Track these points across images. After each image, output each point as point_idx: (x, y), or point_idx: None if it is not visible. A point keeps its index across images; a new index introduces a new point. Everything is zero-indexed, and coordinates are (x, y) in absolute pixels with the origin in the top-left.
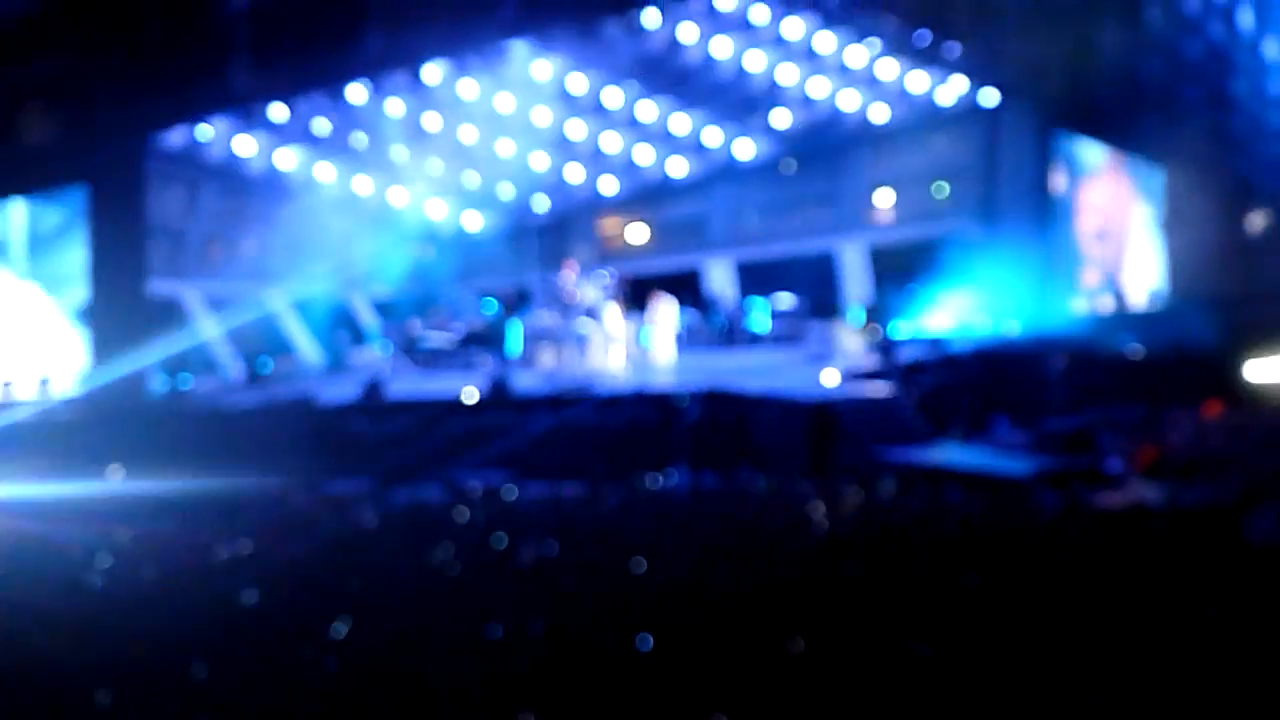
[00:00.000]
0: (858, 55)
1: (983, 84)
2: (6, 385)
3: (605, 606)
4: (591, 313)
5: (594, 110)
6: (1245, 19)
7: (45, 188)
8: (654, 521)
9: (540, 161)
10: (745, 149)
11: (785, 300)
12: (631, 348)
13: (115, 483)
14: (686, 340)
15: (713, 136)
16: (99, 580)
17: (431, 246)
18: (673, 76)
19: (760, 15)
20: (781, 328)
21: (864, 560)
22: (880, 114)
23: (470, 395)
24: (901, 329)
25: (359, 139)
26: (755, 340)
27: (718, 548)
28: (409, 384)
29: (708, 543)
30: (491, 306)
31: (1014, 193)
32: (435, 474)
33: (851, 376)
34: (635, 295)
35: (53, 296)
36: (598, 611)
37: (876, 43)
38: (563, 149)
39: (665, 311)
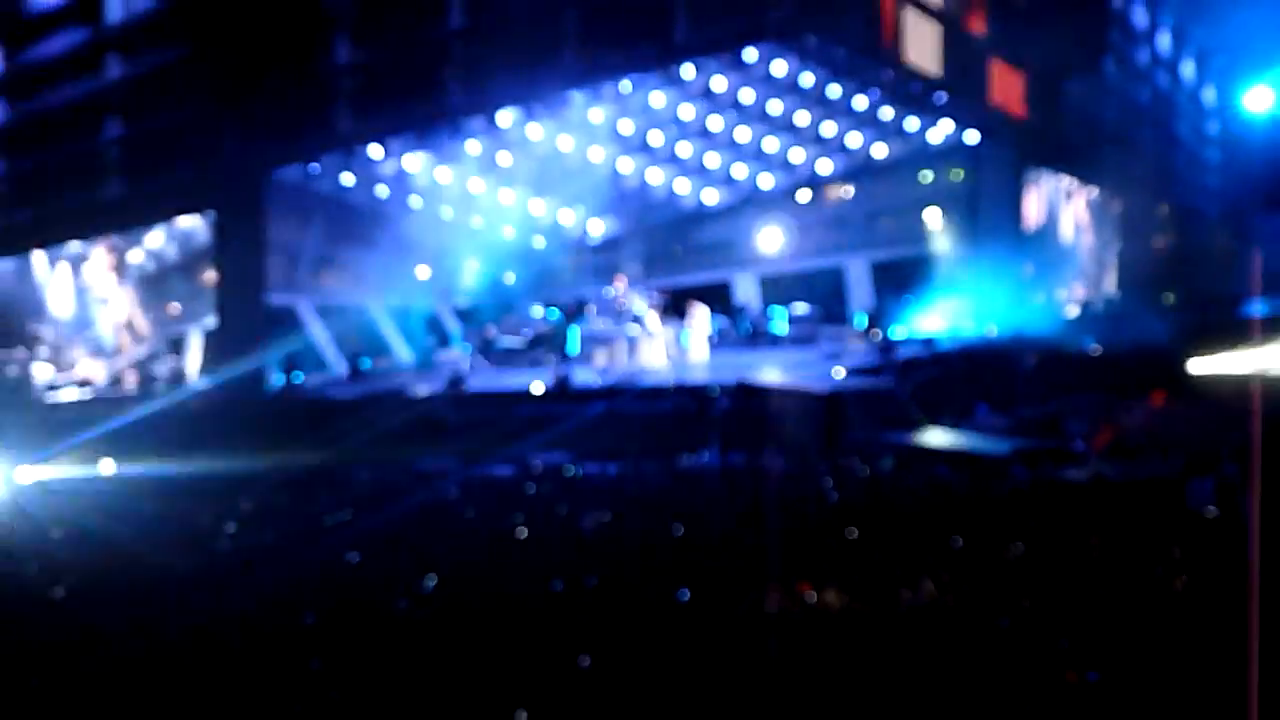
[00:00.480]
0: (861, 102)
1: (966, 126)
2: (86, 383)
3: (649, 564)
4: (638, 319)
5: (640, 149)
6: (1187, 70)
7: (182, 215)
8: (690, 493)
9: (595, 192)
10: (766, 181)
11: (801, 308)
12: (671, 348)
13: (238, 461)
14: (718, 342)
15: (739, 171)
16: (227, 544)
17: (505, 263)
18: (704, 120)
19: (779, 69)
20: (798, 331)
21: (867, 524)
22: (880, 151)
23: (537, 388)
24: (898, 331)
25: (443, 173)
26: (776, 342)
27: (744, 515)
28: (485, 379)
29: (736, 510)
30: (555, 314)
31: (993, 217)
32: (507, 454)
33: (857, 372)
34: (675, 304)
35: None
36: (643, 568)
37: (877, 91)
38: (614, 182)
39: (700, 317)
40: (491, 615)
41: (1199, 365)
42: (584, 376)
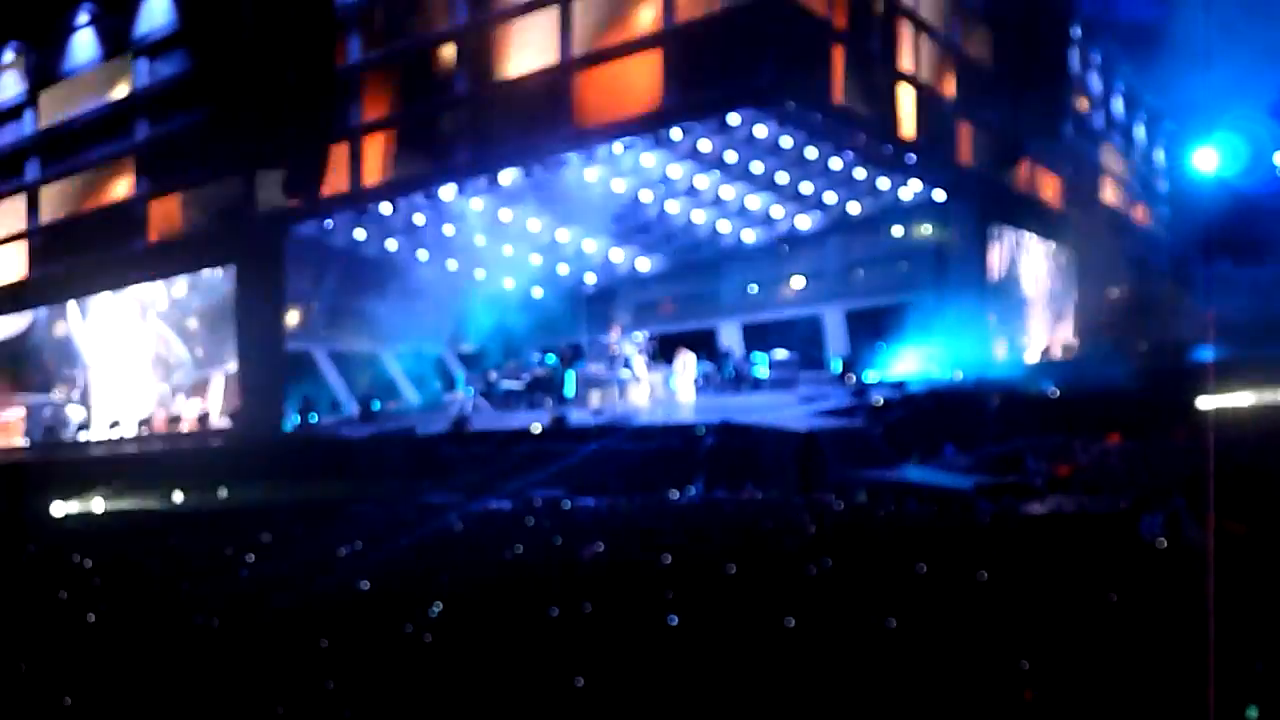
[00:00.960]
0: (837, 163)
1: (934, 185)
2: (114, 424)
3: (640, 591)
4: (629, 364)
5: (631, 205)
6: (1139, 132)
7: (206, 267)
8: (677, 526)
9: (589, 246)
10: (748, 236)
11: (781, 354)
12: (659, 391)
13: (257, 496)
14: (703, 385)
15: (724, 226)
16: (246, 571)
17: (505, 312)
18: (688, 180)
19: (761, 131)
20: (778, 375)
21: (842, 553)
22: (855, 209)
23: (536, 428)
24: (872, 375)
25: (448, 229)
26: (757, 385)
27: (727, 546)
28: (488, 419)
29: (720, 542)
30: (552, 359)
31: (959, 269)
32: (508, 489)
33: (833, 413)
34: (664, 350)
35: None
36: (634, 595)
37: (850, 154)
38: (609, 235)
39: (686, 362)
40: (492, 639)
41: (1205, 401)
42: (579, 417)
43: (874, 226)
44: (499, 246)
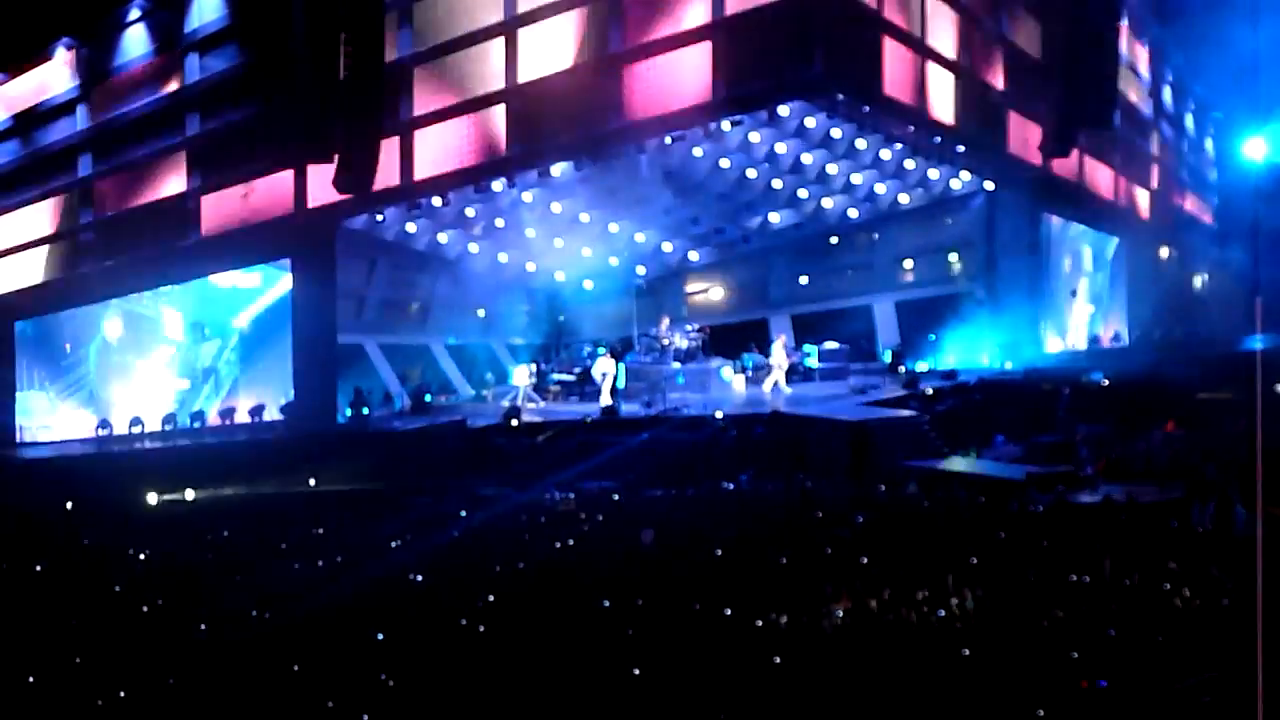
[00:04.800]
0: (886, 154)
1: (983, 176)
2: (136, 420)
3: (692, 581)
4: (679, 356)
5: (684, 198)
6: (1189, 121)
7: (260, 263)
8: (728, 516)
9: (640, 238)
10: (799, 228)
11: (831, 345)
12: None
13: (312, 488)
14: (752, 376)
15: (775, 218)
16: (295, 564)
17: (556, 304)
18: (739, 173)
19: (811, 123)
20: (828, 366)
21: (892, 542)
22: (905, 200)
23: (587, 419)
24: (921, 366)
25: (499, 222)
26: (808, 376)
27: (778, 537)
28: (539, 410)
29: (770, 532)
30: (603, 351)
31: (1008, 260)
32: (559, 480)
33: (883, 403)
34: (715, 341)
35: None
36: (687, 585)
37: (900, 145)
38: (659, 227)
39: (779, 350)
40: (543, 630)
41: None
42: (630, 408)
43: (924, 217)
44: (550, 239)
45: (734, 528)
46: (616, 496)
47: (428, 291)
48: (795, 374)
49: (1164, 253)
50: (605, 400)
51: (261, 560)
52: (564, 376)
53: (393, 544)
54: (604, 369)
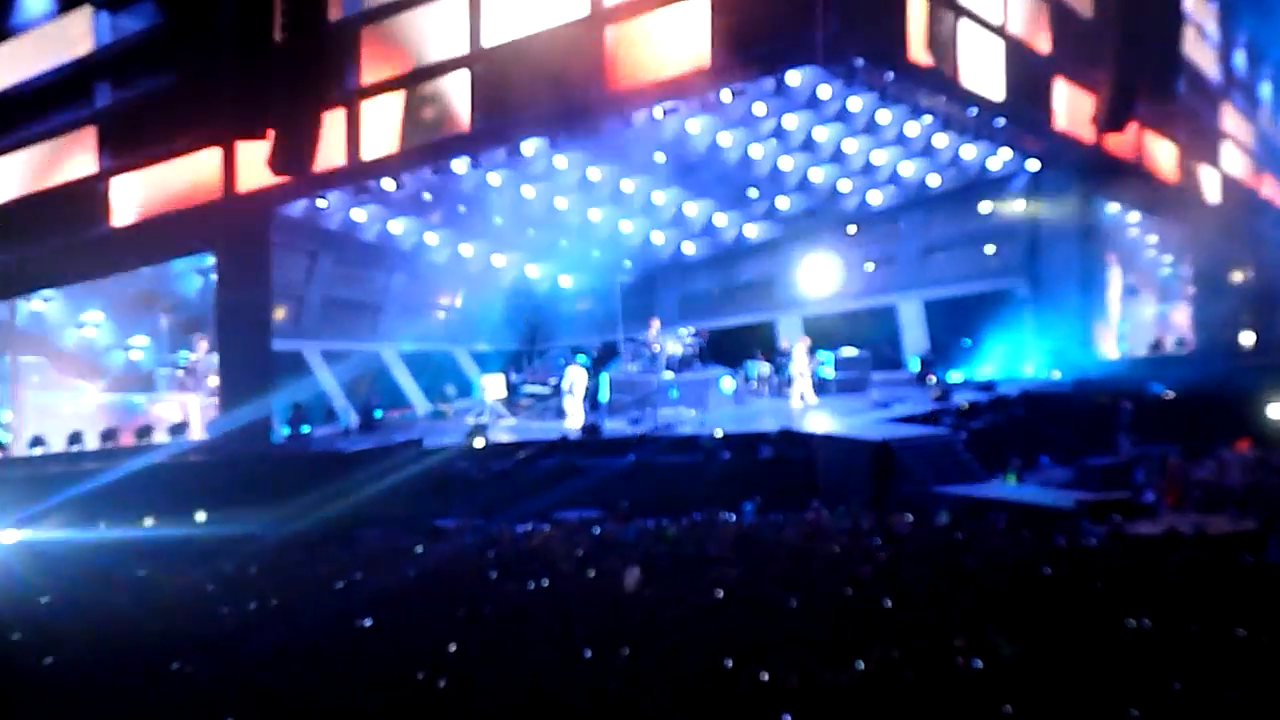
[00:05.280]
0: (913, 129)
1: (1026, 154)
2: (37, 440)
3: (687, 633)
4: (672, 364)
5: (676, 180)
6: (1265, 91)
7: (182, 256)
8: (728, 552)
9: (626, 228)
10: (812, 215)
11: (849, 351)
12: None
13: (242, 520)
14: (756, 387)
15: (782, 204)
16: (231, 610)
17: (528, 306)
18: (741, 150)
19: (825, 92)
20: (846, 376)
21: (919, 585)
22: (935, 182)
23: (564, 438)
24: (955, 375)
25: (462, 209)
26: (822, 388)
27: (788, 576)
28: (508, 429)
29: (779, 571)
30: (583, 359)
31: (1055, 252)
32: (532, 509)
33: (909, 419)
34: (713, 347)
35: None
36: (679, 637)
37: (929, 118)
38: (648, 216)
39: (800, 355)
40: (517, 685)
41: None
42: (615, 426)
43: (957, 203)
44: (521, 228)
45: (736, 565)
46: (598, 529)
47: (378, 290)
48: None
49: (1235, 243)
50: (573, 416)
51: (184, 603)
52: (537, 389)
53: (337, 584)
54: (572, 380)
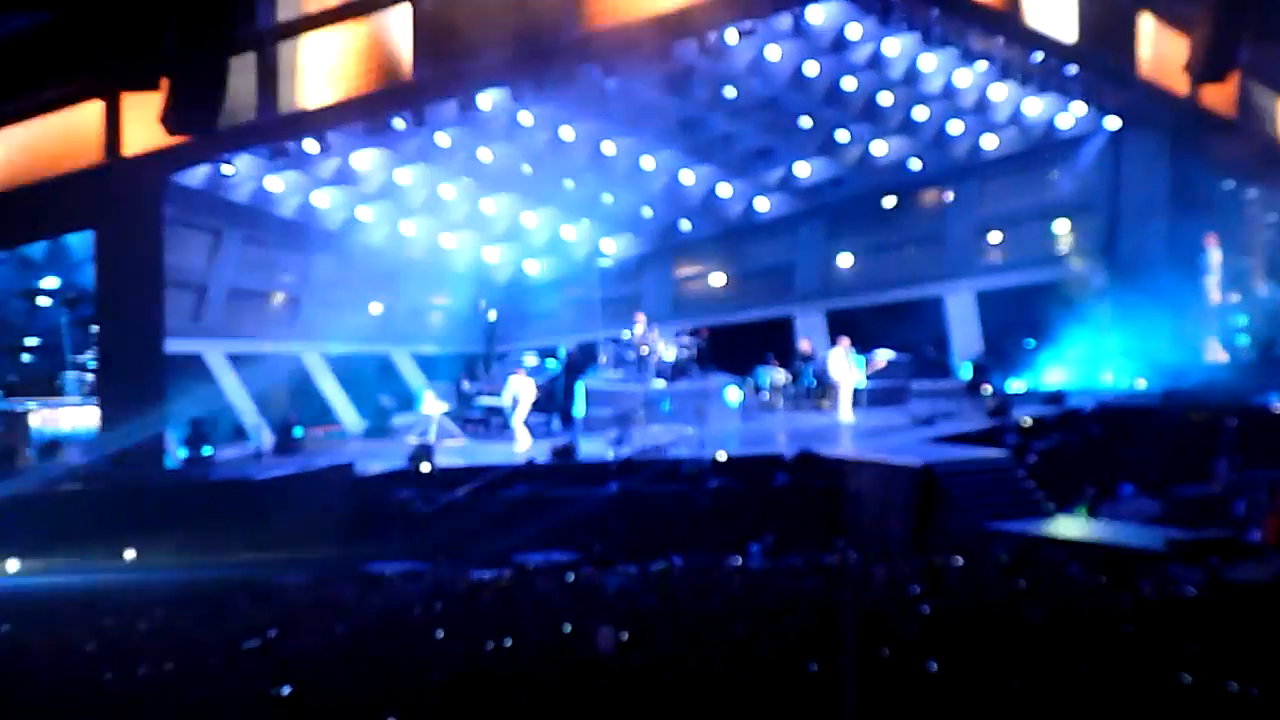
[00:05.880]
0: (964, 77)
1: (1105, 110)
2: None
3: (676, 706)
4: (664, 371)
5: (668, 142)
6: None
7: (55, 234)
8: (732, 607)
9: (609, 200)
10: (836, 180)
11: (885, 355)
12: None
13: (129, 566)
14: (767, 400)
15: (801, 170)
16: (108, 673)
17: (486, 299)
18: (745, 101)
19: (854, 32)
20: (881, 385)
21: (971, 649)
22: (990, 143)
23: (531, 462)
24: (1016, 385)
25: (403, 176)
26: (851, 400)
27: (807, 637)
28: (461, 451)
29: (794, 631)
30: (554, 364)
31: (1142, 230)
32: (490, 551)
33: (960, 439)
34: (716, 350)
35: None
36: (669, 712)
37: (984, 65)
38: (635, 186)
39: (838, 359)
40: None
41: None
42: (593, 447)
43: (1019, 170)
44: (475, 202)
45: (742, 622)
46: (572, 576)
47: (298, 278)
48: (831, 395)
49: None
50: (519, 436)
51: (57, 668)
52: (495, 401)
53: (247, 644)
54: (516, 391)
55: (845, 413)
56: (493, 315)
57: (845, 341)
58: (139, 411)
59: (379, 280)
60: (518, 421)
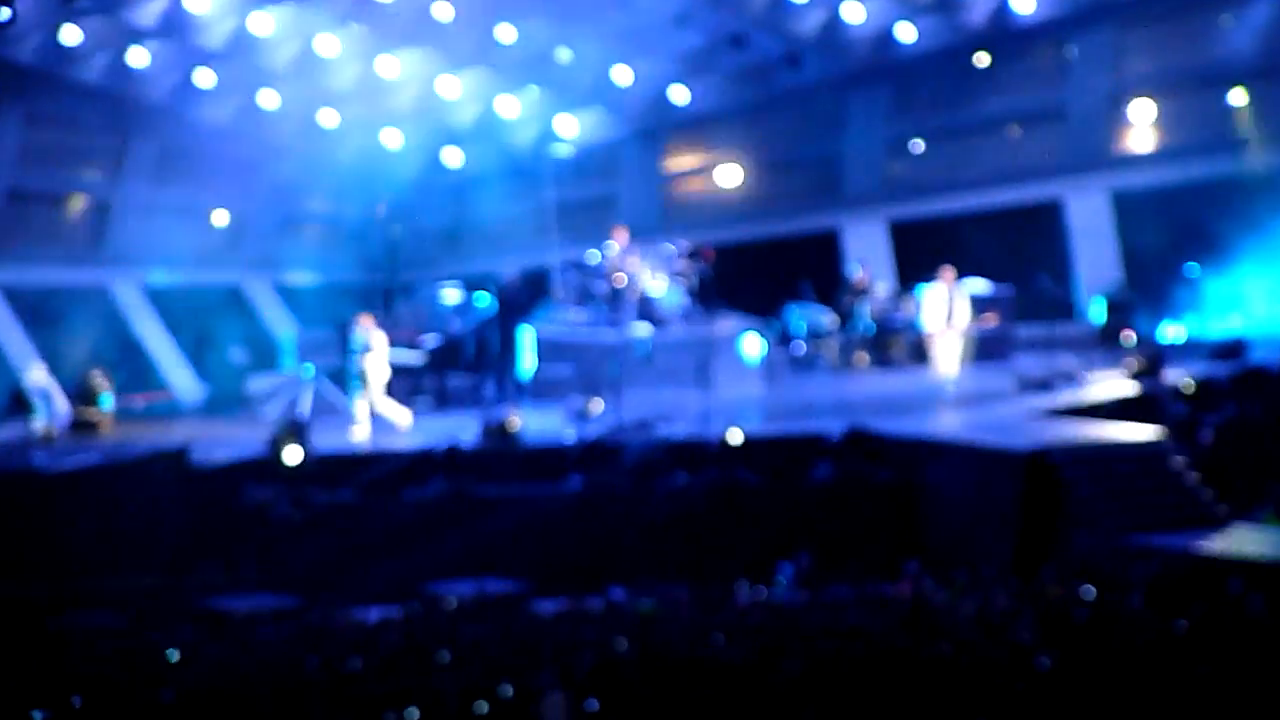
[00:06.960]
0: None
1: None
2: None
3: None
4: (650, 311)
5: None
6: None
7: None
8: (753, 658)
9: (565, 56)
10: (905, 32)
11: (975, 286)
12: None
13: None
14: (804, 353)
15: (855, 12)
16: None
17: (386, 205)
18: None
19: None
20: (971, 334)
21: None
22: None
23: (452, 446)
24: (1172, 331)
25: (262, 22)
26: (922, 354)
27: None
28: (347, 430)
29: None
30: (484, 299)
31: None
32: (390, 575)
33: (1085, 411)
34: (724, 281)
35: None
36: None
37: None
38: (606, 33)
39: (940, 298)
40: None
41: None
42: (544, 424)
43: (1170, 12)
44: (370, 61)
45: (765, 672)
46: (509, 615)
47: (107, 174)
48: (895, 346)
49: None
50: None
51: None
52: (401, 355)
53: (35, 715)
54: (366, 343)
55: (950, 367)
56: (396, 229)
57: (949, 275)
58: None
59: (226, 177)
60: (368, 393)
